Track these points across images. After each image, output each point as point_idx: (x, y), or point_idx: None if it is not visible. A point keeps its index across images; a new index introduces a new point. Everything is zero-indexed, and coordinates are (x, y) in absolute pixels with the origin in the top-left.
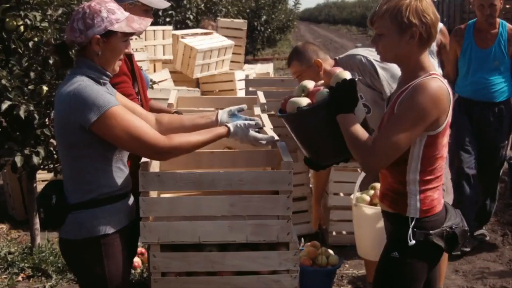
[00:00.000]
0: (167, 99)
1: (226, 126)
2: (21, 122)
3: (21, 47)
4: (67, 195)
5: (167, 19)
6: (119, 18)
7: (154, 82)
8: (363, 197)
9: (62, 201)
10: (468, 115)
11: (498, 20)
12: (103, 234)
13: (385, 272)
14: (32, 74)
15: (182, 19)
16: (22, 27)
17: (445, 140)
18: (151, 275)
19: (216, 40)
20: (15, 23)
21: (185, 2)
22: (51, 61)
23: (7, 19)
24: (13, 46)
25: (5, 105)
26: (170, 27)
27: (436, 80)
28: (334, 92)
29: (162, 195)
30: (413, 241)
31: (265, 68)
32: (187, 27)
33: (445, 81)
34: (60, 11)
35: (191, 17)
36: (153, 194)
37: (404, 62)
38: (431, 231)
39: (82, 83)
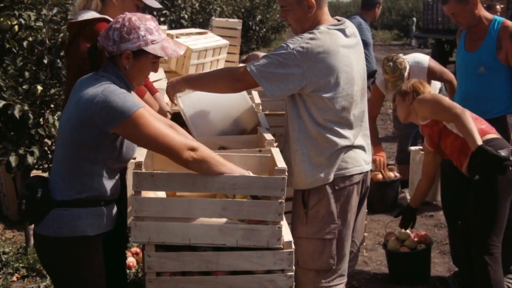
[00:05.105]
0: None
1: None
2: (16, 122)
3: (16, 47)
4: (53, 191)
5: (162, 19)
6: (155, 40)
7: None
8: None
9: (47, 196)
10: None
11: (491, 16)
12: (84, 235)
13: None
14: (26, 73)
15: (177, 18)
16: (16, 27)
17: None
18: (146, 275)
19: (211, 39)
20: (9, 22)
21: (179, 1)
22: (45, 61)
23: (1, 19)
24: (8, 45)
25: None
26: (165, 27)
27: None
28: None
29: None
30: None
31: None
32: (182, 26)
33: None
34: (54, 11)
35: (186, 16)
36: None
37: None
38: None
39: (111, 86)
